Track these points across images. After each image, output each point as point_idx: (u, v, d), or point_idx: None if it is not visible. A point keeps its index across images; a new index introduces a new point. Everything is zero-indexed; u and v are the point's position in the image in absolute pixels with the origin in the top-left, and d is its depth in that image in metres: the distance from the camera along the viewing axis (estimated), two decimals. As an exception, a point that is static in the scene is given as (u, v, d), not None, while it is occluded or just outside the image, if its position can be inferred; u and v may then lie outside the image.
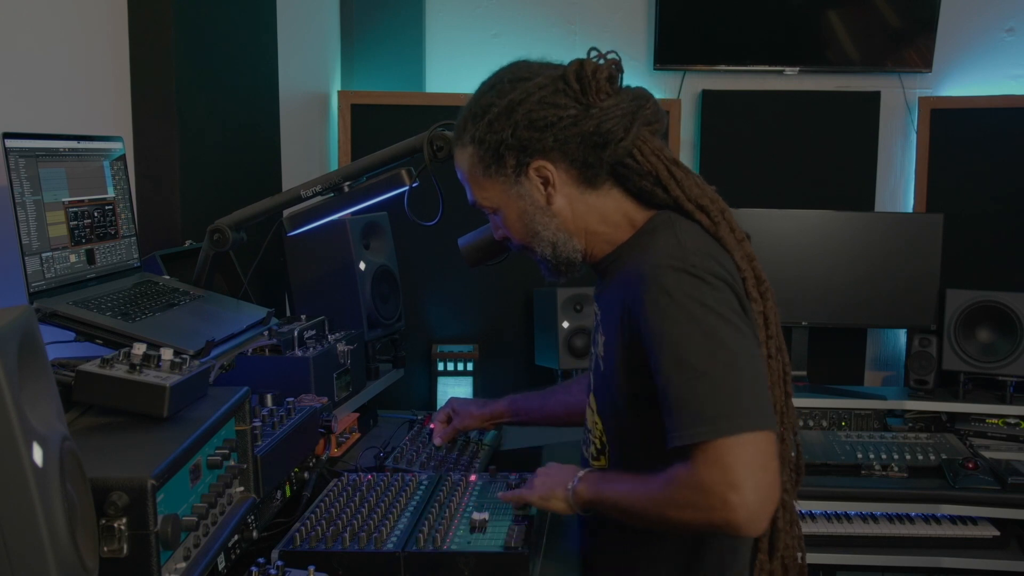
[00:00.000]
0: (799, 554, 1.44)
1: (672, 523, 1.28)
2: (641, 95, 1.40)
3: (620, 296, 1.36)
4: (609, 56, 1.37)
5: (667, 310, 1.26)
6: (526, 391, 2.01)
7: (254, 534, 1.44)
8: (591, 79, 1.35)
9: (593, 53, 1.38)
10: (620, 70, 1.39)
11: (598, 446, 1.50)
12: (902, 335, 3.27)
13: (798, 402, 1.74)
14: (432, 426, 2.05)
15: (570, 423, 1.89)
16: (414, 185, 1.98)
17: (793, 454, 1.44)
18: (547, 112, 1.35)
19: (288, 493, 1.65)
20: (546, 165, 1.38)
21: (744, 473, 1.19)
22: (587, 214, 1.42)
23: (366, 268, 2.45)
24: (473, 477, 1.77)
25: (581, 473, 1.45)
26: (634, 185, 1.41)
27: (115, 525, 1.03)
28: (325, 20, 3.26)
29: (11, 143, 1.59)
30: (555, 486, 1.48)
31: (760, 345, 1.34)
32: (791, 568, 1.42)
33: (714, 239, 1.38)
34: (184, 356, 1.35)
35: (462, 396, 3.00)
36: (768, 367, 1.35)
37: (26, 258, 1.59)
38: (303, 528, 1.54)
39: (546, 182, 1.40)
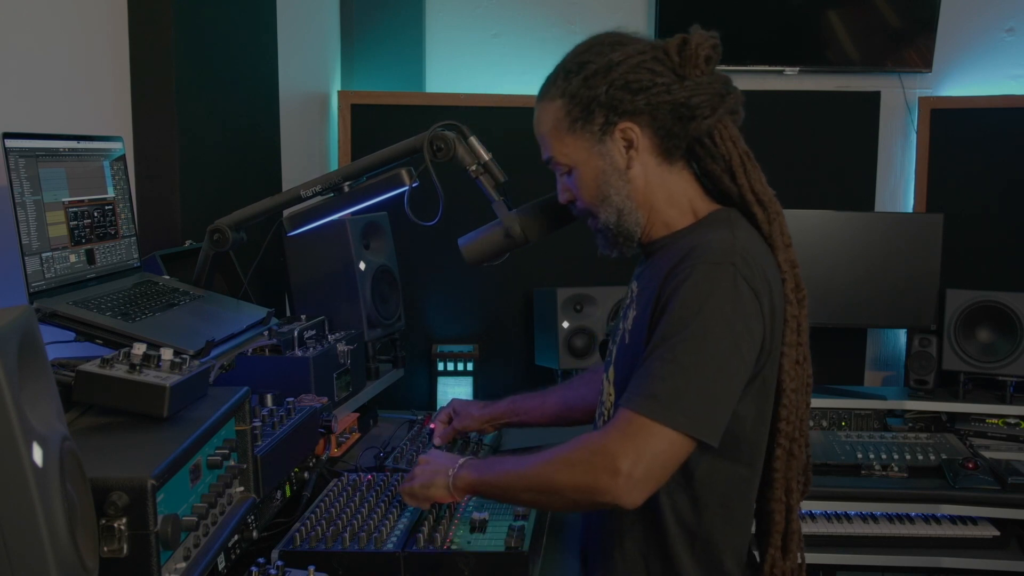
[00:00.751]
0: (799, 555, 1.47)
1: (556, 487, 1.34)
2: (729, 83, 1.44)
3: (661, 272, 1.38)
4: (712, 36, 1.41)
5: (688, 297, 1.31)
6: (527, 391, 2.00)
7: (254, 534, 1.44)
8: (693, 53, 1.38)
9: (694, 30, 1.41)
10: (718, 53, 1.42)
11: (607, 417, 1.53)
12: (902, 335, 3.27)
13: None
14: (432, 426, 2.05)
15: (573, 422, 1.89)
16: (414, 185, 1.98)
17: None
18: (643, 76, 1.38)
19: (288, 493, 1.65)
20: (633, 127, 1.41)
21: (645, 455, 1.26)
22: (658, 188, 1.45)
23: (366, 268, 2.45)
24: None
25: (462, 460, 1.53)
26: (705, 168, 1.46)
27: (115, 525, 1.03)
28: (325, 20, 3.26)
29: (11, 143, 1.59)
30: (435, 474, 1.53)
31: (793, 347, 1.39)
32: (795, 569, 1.45)
33: (765, 238, 1.43)
34: (184, 356, 1.35)
35: (462, 396, 3.01)
36: (796, 373, 1.40)
37: (26, 258, 1.59)
38: (303, 528, 1.54)
39: (629, 144, 1.42)
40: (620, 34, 1.46)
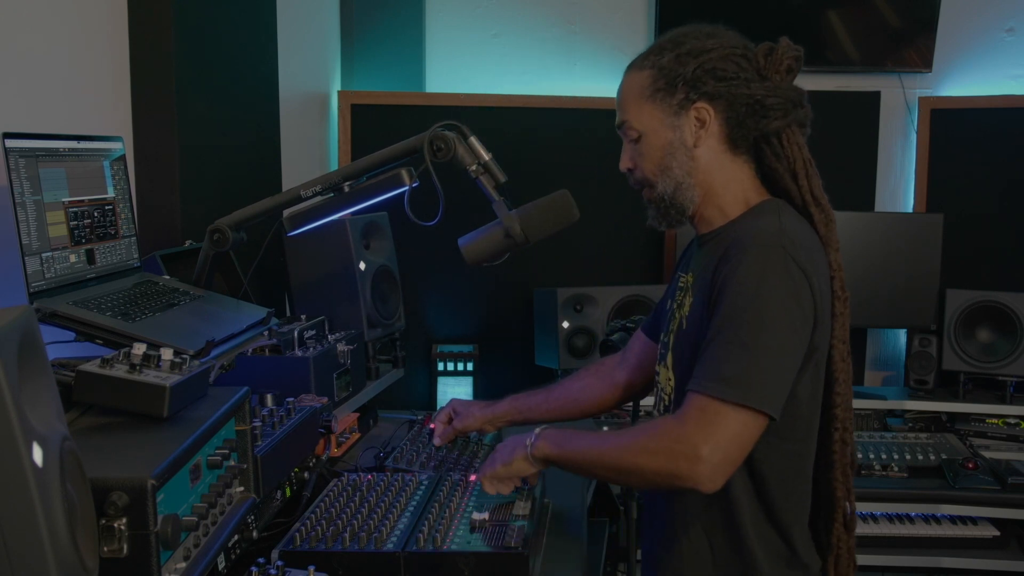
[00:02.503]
0: None
1: (637, 470, 1.40)
2: (805, 97, 1.52)
3: (716, 260, 1.45)
4: (796, 49, 1.50)
5: (743, 281, 1.38)
6: (527, 390, 2.00)
7: (254, 534, 1.45)
8: (777, 59, 1.48)
9: (782, 40, 1.50)
10: (799, 66, 1.51)
11: (667, 402, 1.59)
12: (902, 335, 3.27)
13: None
14: (432, 426, 2.04)
15: (580, 414, 1.90)
16: (414, 185, 1.98)
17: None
18: (729, 66, 1.48)
19: (288, 493, 1.65)
20: (708, 109, 1.49)
21: (723, 438, 1.33)
22: (717, 172, 1.52)
23: (366, 268, 2.45)
24: (473, 477, 1.77)
25: (537, 430, 1.59)
26: (768, 166, 1.53)
27: (115, 525, 1.03)
28: (325, 20, 3.26)
29: (11, 143, 1.59)
30: (514, 450, 1.60)
31: (841, 342, 1.48)
32: (854, 545, 1.55)
33: (820, 238, 1.51)
34: (184, 356, 1.35)
35: (462, 396, 3.01)
36: (843, 366, 1.48)
37: (26, 258, 1.59)
38: (303, 528, 1.54)
39: (702, 124, 1.50)
40: (716, 28, 1.55)
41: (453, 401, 2.05)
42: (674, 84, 1.49)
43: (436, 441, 1.99)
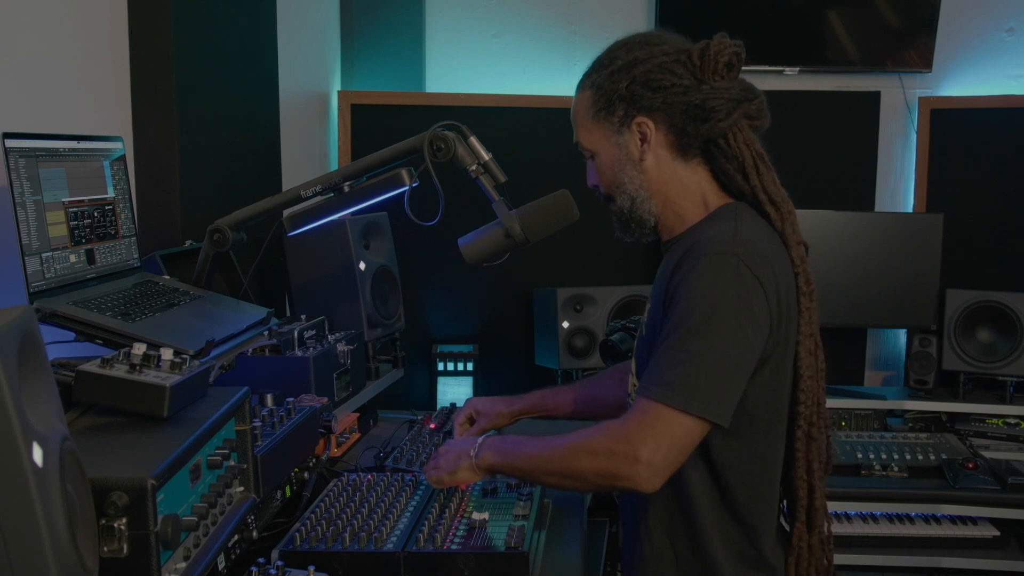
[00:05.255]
0: (827, 528, 1.55)
1: (579, 473, 1.41)
2: (751, 90, 1.50)
3: (670, 266, 1.45)
4: (734, 44, 1.47)
5: (693, 288, 1.37)
6: (527, 391, 1.97)
7: (254, 534, 1.44)
8: (712, 59, 1.45)
9: (717, 37, 1.47)
10: (740, 61, 1.48)
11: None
12: (902, 335, 3.27)
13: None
14: (432, 427, 2.04)
15: (601, 417, 1.87)
16: (414, 185, 1.98)
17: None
18: (664, 76, 1.46)
19: (288, 493, 1.65)
20: (648, 123, 1.49)
21: (663, 442, 1.34)
22: (670, 181, 1.52)
23: (366, 268, 2.45)
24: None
25: (481, 439, 1.60)
26: (719, 167, 1.51)
27: (115, 525, 1.03)
28: (325, 20, 3.26)
29: (11, 143, 1.58)
30: (458, 458, 1.60)
31: (808, 336, 1.46)
32: (823, 542, 1.53)
33: (779, 234, 1.48)
34: (184, 356, 1.35)
35: (462, 396, 3.01)
36: (810, 361, 1.47)
37: (26, 258, 1.59)
38: (303, 528, 1.54)
39: (644, 138, 1.50)
40: (656, 33, 1.54)
41: (472, 401, 1.96)
42: (612, 102, 1.49)
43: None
